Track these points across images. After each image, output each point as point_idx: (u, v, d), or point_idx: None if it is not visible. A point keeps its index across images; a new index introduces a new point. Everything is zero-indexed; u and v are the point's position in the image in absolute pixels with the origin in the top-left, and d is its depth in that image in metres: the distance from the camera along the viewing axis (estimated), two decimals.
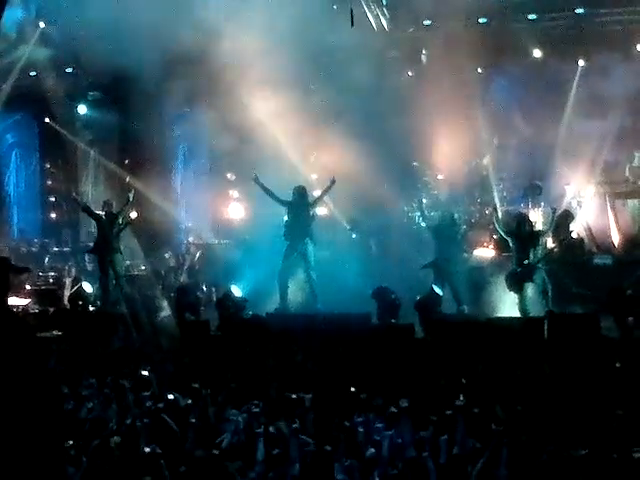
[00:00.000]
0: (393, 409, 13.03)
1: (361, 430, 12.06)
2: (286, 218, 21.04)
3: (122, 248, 23.04)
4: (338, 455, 10.68)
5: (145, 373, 15.75)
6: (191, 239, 26.36)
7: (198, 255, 25.12)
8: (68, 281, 24.39)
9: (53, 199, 30.31)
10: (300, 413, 13.08)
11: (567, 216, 22.24)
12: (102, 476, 10.54)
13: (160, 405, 13.43)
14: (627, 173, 24.48)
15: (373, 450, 11.14)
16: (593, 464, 10.33)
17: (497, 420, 12.32)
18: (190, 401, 13.96)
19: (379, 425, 12.16)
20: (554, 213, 21.68)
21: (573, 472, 10.09)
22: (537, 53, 25.40)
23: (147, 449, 10.99)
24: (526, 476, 10.02)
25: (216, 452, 11.10)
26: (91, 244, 23.59)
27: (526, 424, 12.31)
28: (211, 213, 26.86)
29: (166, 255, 25.30)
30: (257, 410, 13.14)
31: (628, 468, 10.09)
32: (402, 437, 11.60)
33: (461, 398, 13.74)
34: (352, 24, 24.64)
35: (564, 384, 15.02)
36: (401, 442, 11.41)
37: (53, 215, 30.28)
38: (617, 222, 23.71)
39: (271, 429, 11.96)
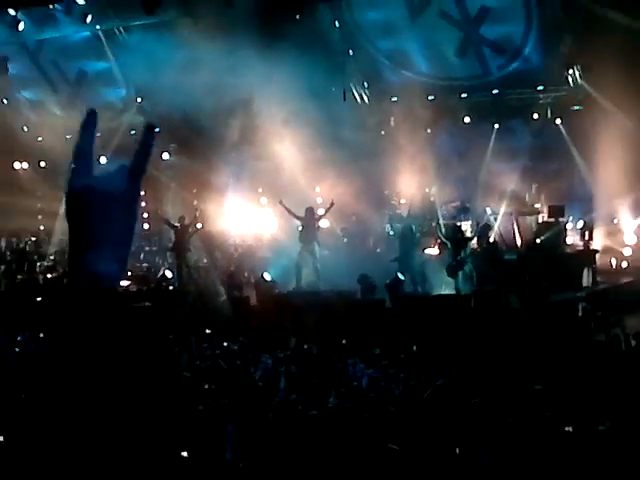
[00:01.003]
0: (371, 354, 13.20)
1: (350, 369, 12.19)
2: (300, 228, 21.21)
3: (191, 248, 23.24)
4: (333, 386, 10.80)
5: (208, 331, 15.87)
6: (237, 241, 26.36)
7: (242, 252, 25.19)
8: (162, 269, 24.53)
9: (146, 215, 30.39)
10: (309, 358, 13.19)
11: (486, 227, 22.31)
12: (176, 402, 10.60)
13: (217, 352, 13.56)
14: (527, 199, 24.58)
15: (356, 383, 11.26)
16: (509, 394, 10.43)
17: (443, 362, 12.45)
18: (236, 348, 14.11)
19: (361, 365, 12.29)
20: (477, 225, 21.87)
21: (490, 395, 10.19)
22: (467, 119, 25.48)
23: (206, 386, 11.10)
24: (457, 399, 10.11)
25: (261, 384, 11.21)
26: (171, 245, 23.70)
27: (460, 365, 12.38)
28: (250, 224, 26.87)
29: (219, 253, 25.30)
30: (281, 355, 13.26)
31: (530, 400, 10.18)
32: (376, 374, 11.72)
33: (414, 348, 13.88)
34: (344, 99, 24.90)
35: (484, 339, 15.12)
36: (376, 377, 11.52)
37: (146, 226, 30.34)
38: (520, 231, 23.81)
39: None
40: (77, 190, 1.63)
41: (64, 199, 1.68)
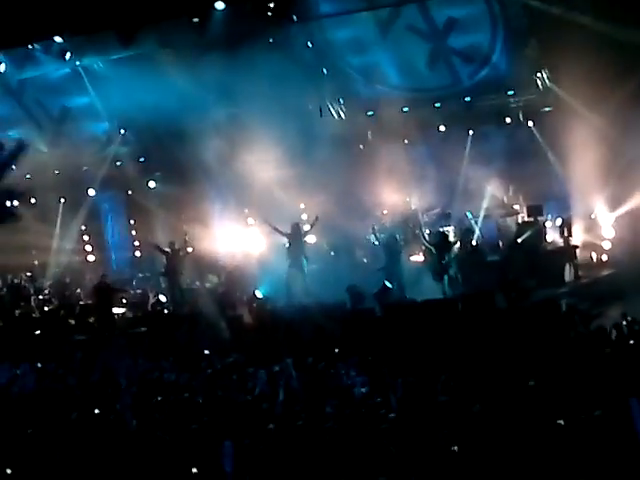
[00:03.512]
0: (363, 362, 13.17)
1: (343, 378, 12.18)
2: (287, 245, 21.20)
3: (183, 271, 23.15)
4: (328, 395, 10.78)
5: (206, 352, 15.83)
6: (227, 262, 26.21)
7: (232, 272, 25.05)
8: (151, 295, 24.38)
9: (137, 243, 30.34)
10: (304, 370, 13.12)
11: (468, 231, 22.37)
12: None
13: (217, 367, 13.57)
14: (505, 201, 24.59)
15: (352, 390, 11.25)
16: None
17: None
18: (233, 365, 14.09)
19: (353, 373, 12.29)
20: (460, 230, 21.91)
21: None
22: (442, 127, 25.46)
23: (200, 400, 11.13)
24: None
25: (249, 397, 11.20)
26: (163, 270, 23.56)
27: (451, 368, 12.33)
28: (238, 244, 26.73)
29: (211, 275, 25.16)
30: (277, 369, 13.15)
31: None
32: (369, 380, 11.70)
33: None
34: (321, 115, 25.02)
35: (473, 340, 15.09)
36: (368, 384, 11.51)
37: (137, 253, 30.29)
38: (501, 233, 23.84)
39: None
40: None
41: None
